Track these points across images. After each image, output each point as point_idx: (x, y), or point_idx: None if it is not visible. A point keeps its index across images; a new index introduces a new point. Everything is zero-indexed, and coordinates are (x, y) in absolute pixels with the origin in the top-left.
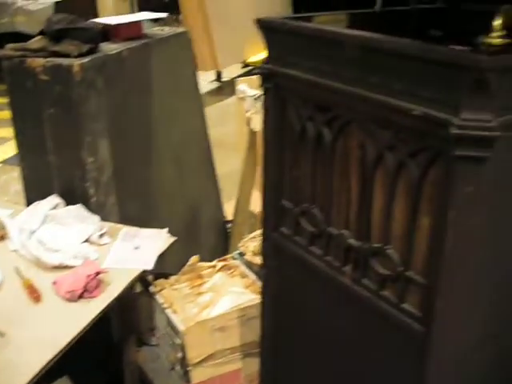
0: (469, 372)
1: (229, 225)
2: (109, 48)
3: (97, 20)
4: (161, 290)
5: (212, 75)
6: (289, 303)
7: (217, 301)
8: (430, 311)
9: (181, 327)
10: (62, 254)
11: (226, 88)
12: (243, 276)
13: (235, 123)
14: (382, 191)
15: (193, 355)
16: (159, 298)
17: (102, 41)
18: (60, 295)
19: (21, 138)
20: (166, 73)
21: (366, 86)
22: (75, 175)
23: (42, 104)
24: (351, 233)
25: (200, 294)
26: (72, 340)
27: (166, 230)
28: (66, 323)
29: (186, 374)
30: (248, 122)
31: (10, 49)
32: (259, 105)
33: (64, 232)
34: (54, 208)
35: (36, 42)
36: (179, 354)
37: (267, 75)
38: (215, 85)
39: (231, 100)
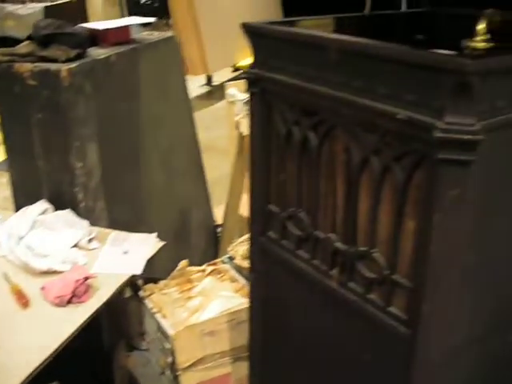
0: (455, 374)
1: (219, 229)
2: (97, 53)
3: (85, 25)
4: (150, 295)
5: (202, 79)
6: (276, 307)
7: (206, 305)
8: (415, 314)
9: (170, 332)
10: (51, 259)
11: (216, 92)
12: (233, 280)
13: (225, 127)
14: (368, 195)
15: (182, 360)
16: (149, 303)
17: (90, 46)
18: (48, 300)
19: (9, 143)
20: (155, 77)
21: (350, 91)
22: (64, 180)
23: (30, 109)
24: (338, 236)
25: (189, 298)
26: (60, 345)
27: (154, 234)
28: (54, 328)
29: (175, 379)
30: (237, 125)
31: None
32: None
33: (53, 237)
34: (43, 213)
35: (24, 47)
36: (169, 359)
37: (253, 80)
38: (205, 89)
39: (221, 104)
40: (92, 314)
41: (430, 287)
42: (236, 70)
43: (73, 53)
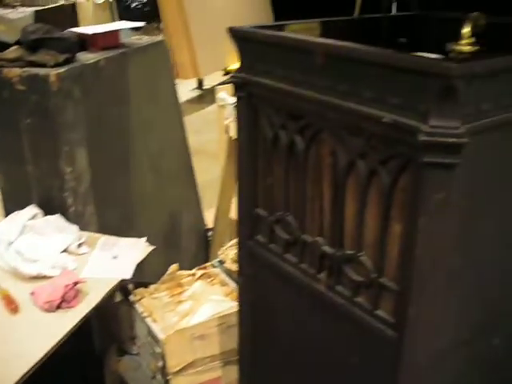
0: (441, 377)
1: (210, 232)
2: (86, 57)
3: (74, 29)
4: (140, 299)
5: (193, 83)
6: (265, 310)
7: (197, 309)
8: (402, 317)
9: (160, 336)
10: (40, 265)
11: (207, 96)
12: (223, 284)
13: (216, 131)
14: (354, 198)
15: (173, 364)
16: (139, 307)
17: (79, 50)
18: (38, 306)
19: None
20: (144, 82)
21: (336, 94)
22: (53, 185)
23: (18, 114)
24: (325, 240)
25: (180, 302)
26: (50, 350)
27: (144, 239)
28: (43, 334)
29: (166, 383)
30: (227, 129)
31: None
32: None
33: (42, 242)
34: (33, 218)
35: (12, 52)
36: (160, 363)
37: (240, 84)
38: (196, 93)
39: (212, 108)
40: (81, 319)
41: (416, 290)
42: (227, 73)
43: (61, 58)
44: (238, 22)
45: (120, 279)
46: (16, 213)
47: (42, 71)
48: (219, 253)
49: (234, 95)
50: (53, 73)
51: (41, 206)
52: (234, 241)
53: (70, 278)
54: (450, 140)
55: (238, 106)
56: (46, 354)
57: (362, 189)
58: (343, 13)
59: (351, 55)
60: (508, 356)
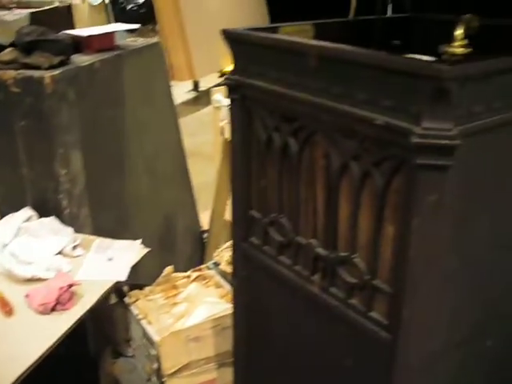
0: (435, 379)
1: (205, 234)
2: (80, 60)
3: (69, 31)
4: (135, 301)
5: (189, 85)
6: (260, 312)
7: (192, 311)
8: (396, 319)
9: (155, 338)
10: (35, 267)
11: (203, 98)
12: (218, 286)
13: (212, 133)
14: (348, 200)
15: (168, 366)
16: (134, 309)
17: (74, 53)
18: (32, 308)
19: None
20: (139, 84)
21: (329, 96)
22: (48, 187)
23: (13, 116)
24: (319, 242)
25: (175, 304)
26: (44, 353)
27: (139, 241)
28: (38, 336)
29: None
30: (222, 131)
31: None
32: None
33: (37, 244)
34: (27, 220)
35: (7, 54)
36: (155, 365)
37: (233, 86)
38: (192, 94)
39: (208, 110)
40: (76, 322)
41: (410, 292)
42: (223, 75)
43: (56, 60)
44: (233, 23)
45: (115, 281)
46: (11, 215)
47: (36, 73)
48: (214, 255)
49: (228, 97)
50: (47, 75)
51: (35, 208)
52: (229, 243)
53: (64, 280)
54: (443, 142)
55: (232, 108)
56: (40, 357)
57: (356, 191)
58: (338, 14)
59: (344, 57)
60: (502, 357)
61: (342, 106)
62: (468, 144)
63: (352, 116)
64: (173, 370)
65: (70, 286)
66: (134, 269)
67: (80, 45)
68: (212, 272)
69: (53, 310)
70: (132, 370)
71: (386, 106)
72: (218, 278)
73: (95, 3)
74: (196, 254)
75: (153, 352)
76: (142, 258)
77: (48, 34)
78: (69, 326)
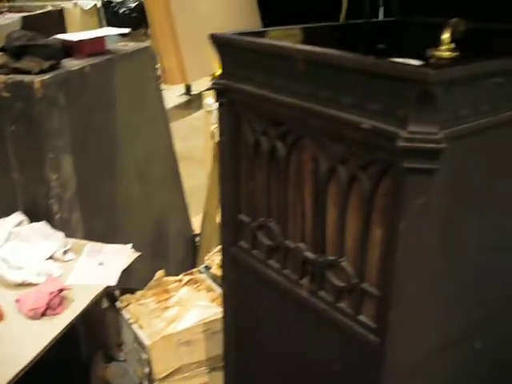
0: (425, 382)
1: (197, 238)
2: (71, 64)
3: (59, 36)
4: (127, 306)
5: (181, 89)
6: (249, 316)
7: (183, 315)
8: (384, 322)
9: (147, 342)
10: (26, 272)
11: (195, 101)
12: (209, 290)
13: (203, 137)
14: (335, 204)
15: (159, 370)
16: (125, 314)
17: (64, 57)
18: (23, 313)
19: None
20: (130, 88)
21: (317, 101)
22: (39, 192)
23: (3, 121)
24: (307, 246)
25: (166, 308)
26: (35, 357)
27: (130, 245)
28: (28, 341)
29: None
30: (213, 135)
31: None
32: None
33: (28, 249)
34: (18, 225)
35: None
36: (146, 369)
37: (222, 90)
38: (184, 98)
39: (200, 113)
40: (67, 326)
41: (397, 295)
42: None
43: (46, 64)
44: (225, 27)
45: (105, 286)
46: (1, 220)
47: (26, 78)
48: (205, 258)
49: (216, 101)
50: (37, 80)
51: (26, 213)
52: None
53: (55, 285)
54: (429, 145)
55: (220, 113)
56: (30, 362)
57: (343, 194)
58: (330, 18)
59: (331, 62)
60: (493, 360)
61: (329, 110)
62: (455, 147)
63: (339, 120)
64: (164, 374)
65: (61, 290)
66: (126, 273)
67: (70, 49)
68: (203, 276)
69: (43, 314)
70: (124, 375)
71: (372, 110)
72: (210, 282)
73: (87, 7)
74: (188, 258)
75: (144, 356)
76: (134, 262)
77: (38, 39)
78: (59, 331)
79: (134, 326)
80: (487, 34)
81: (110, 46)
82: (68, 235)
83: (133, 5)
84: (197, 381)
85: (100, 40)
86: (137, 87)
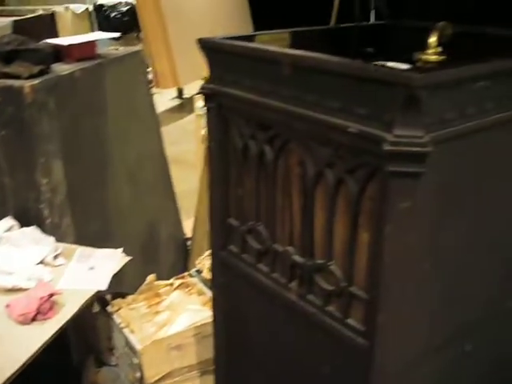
0: None
1: (189, 242)
2: (61, 69)
3: (49, 40)
4: (118, 310)
5: (173, 92)
6: (239, 320)
7: (174, 319)
8: (372, 326)
9: (138, 347)
10: (16, 277)
11: (187, 105)
12: (200, 293)
13: (195, 140)
14: (323, 208)
15: (150, 374)
16: (116, 318)
17: (54, 62)
18: (12, 318)
19: None
20: (121, 92)
21: (304, 104)
22: (29, 197)
23: None
24: (296, 249)
25: (157, 312)
26: (25, 362)
27: (120, 249)
28: (18, 346)
29: None
30: (204, 139)
31: None
32: None
33: (18, 254)
34: (9, 230)
35: None
36: (137, 374)
37: (210, 95)
38: (176, 102)
39: (192, 117)
40: (57, 331)
41: (385, 298)
42: None
43: (36, 69)
44: (217, 30)
45: (96, 290)
46: None
47: (16, 83)
48: (197, 262)
49: (204, 106)
50: (27, 84)
51: (17, 217)
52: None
53: (45, 289)
54: (414, 149)
55: (208, 117)
56: (20, 367)
57: (331, 198)
58: (321, 22)
59: (317, 66)
60: (483, 362)
61: (315, 114)
62: (441, 151)
63: (326, 124)
64: (155, 379)
65: (51, 295)
66: (117, 277)
67: (60, 54)
68: (194, 279)
69: (33, 320)
70: (115, 379)
71: (359, 114)
72: (201, 286)
73: (79, 11)
74: (179, 262)
75: (135, 361)
76: (125, 266)
77: (28, 44)
78: (49, 336)
79: (126, 331)
80: (476, 38)
81: (101, 50)
82: (59, 240)
83: (124, 9)
84: None
85: (90, 44)
86: (127, 91)
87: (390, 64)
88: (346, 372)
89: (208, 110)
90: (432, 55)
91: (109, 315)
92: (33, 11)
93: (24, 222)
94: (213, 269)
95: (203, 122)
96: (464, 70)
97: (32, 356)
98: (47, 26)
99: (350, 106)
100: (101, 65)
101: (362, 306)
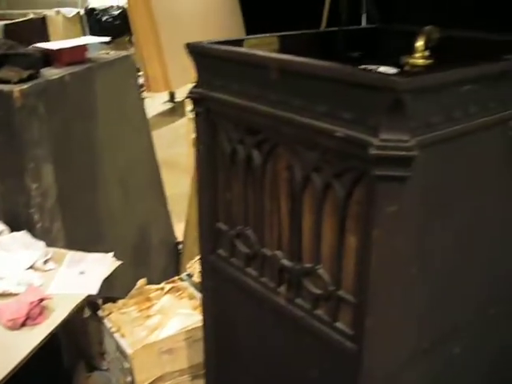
0: None
1: (180, 246)
2: (50, 73)
3: (39, 45)
4: (109, 314)
5: (165, 96)
6: (228, 324)
7: (165, 323)
8: (360, 329)
9: (128, 351)
10: (6, 282)
11: (179, 109)
12: (191, 297)
13: (187, 144)
14: (311, 212)
15: (141, 378)
16: (107, 323)
17: (44, 66)
18: (2, 323)
19: None
20: (111, 96)
21: (291, 109)
22: (19, 201)
23: None
24: (284, 253)
25: (148, 316)
26: (14, 368)
27: (111, 254)
28: (7, 352)
29: None
30: (195, 142)
31: None
32: None
33: (8, 259)
34: None
35: None
36: (128, 378)
37: (198, 99)
38: (168, 105)
39: (184, 121)
40: (47, 336)
41: (373, 302)
42: None
43: (25, 74)
44: (208, 34)
45: (86, 295)
46: None
47: (5, 87)
48: (187, 266)
49: (193, 111)
50: (16, 89)
51: (7, 222)
52: None
53: (35, 294)
54: (400, 153)
55: (197, 121)
56: (9, 372)
57: (318, 202)
58: (311, 25)
59: (304, 70)
60: (472, 365)
61: (302, 119)
62: (427, 155)
63: (313, 128)
64: (147, 383)
65: (41, 300)
66: (109, 282)
67: (50, 58)
68: (185, 283)
69: (23, 325)
70: None
71: (345, 119)
72: (192, 290)
73: (70, 15)
74: (171, 266)
75: (126, 365)
76: (117, 270)
77: (17, 48)
78: (39, 341)
79: (116, 335)
80: (465, 42)
81: (91, 54)
82: (49, 244)
83: (116, 12)
84: None
85: (80, 49)
86: (118, 96)
87: (381, 68)
88: (335, 376)
89: (196, 114)
90: (419, 59)
91: (100, 320)
92: (24, 15)
93: (14, 226)
94: (202, 273)
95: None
96: (449, 74)
97: (21, 362)
98: (38, 30)
99: (336, 111)
100: (91, 69)
101: (350, 310)
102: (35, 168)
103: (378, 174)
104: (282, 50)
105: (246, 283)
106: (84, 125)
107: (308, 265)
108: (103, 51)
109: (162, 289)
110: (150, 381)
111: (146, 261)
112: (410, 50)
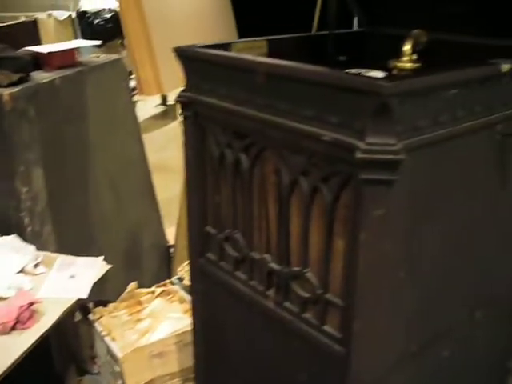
0: None
1: (172, 249)
2: (41, 77)
3: (29, 48)
4: (100, 318)
5: (157, 99)
6: (217, 328)
7: (156, 327)
8: (348, 332)
9: (119, 354)
10: None
11: (171, 112)
12: (182, 301)
13: (179, 147)
14: (299, 215)
15: (132, 382)
16: (98, 326)
17: (34, 69)
18: None
19: None
20: (102, 100)
21: (278, 113)
22: (9, 205)
23: None
24: (272, 257)
25: (139, 320)
26: (3, 373)
27: (101, 257)
28: None
29: None
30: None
31: None
32: None
33: None
34: None
35: None
36: (119, 382)
37: (186, 103)
38: (161, 109)
39: (176, 124)
40: (36, 340)
41: (360, 305)
42: None
43: (15, 77)
44: (201, 37)
45: (76, 299)
46: None
47: None
48: (178, 270)
49: (181, 114)
50: (6, 92)
51: None
52: None
53: (25, 298)
54: (387, 157)
55: (185, 125)
56: None
57: (306, 206)
58: (303, 29)
59: (290, 74)
60: (461, 368)
61: (289, 123)
62: (414, 158)
63: (300, 132)
64: None
65: (31, 304)
66: (100, 285)
67: (40, 61)
68: (176, 287)
69: (13, 329)
70: None
71: (332, 122)
72: (182, 293)
73: (61, 18)
74: (162, 269)
75: (117, 369)
76: (108, 274)
77: (7, 51)
78: (29, 345)
79: (107, 339)
80: (452, 46)
81: (82, 57)
82: (40, 248)
83: (108, 15)
84: None
85: (70, 52)
86: (109, 99)
87: (371, 73)
88: (323, 379)
89: (185, 118)
90: (407, 63)
91: (91, 323)
92: (16, 18)
93: (4, 230)
94: (191, 276)
95: None
96: (436, 78)
97: (10, 366)
98: (30, 33)
99: (323, 115)
100: (81, 72)
101: (338, 313)
102: (25, 171)
103: (364, 177)
104: (270, 54)
105: (235, 287)
106: (75, 128)
107: (296, 268)
108: (95, 54)
109: (153, 292)
110: None
111: (138, 264)
112: (398, 54)
